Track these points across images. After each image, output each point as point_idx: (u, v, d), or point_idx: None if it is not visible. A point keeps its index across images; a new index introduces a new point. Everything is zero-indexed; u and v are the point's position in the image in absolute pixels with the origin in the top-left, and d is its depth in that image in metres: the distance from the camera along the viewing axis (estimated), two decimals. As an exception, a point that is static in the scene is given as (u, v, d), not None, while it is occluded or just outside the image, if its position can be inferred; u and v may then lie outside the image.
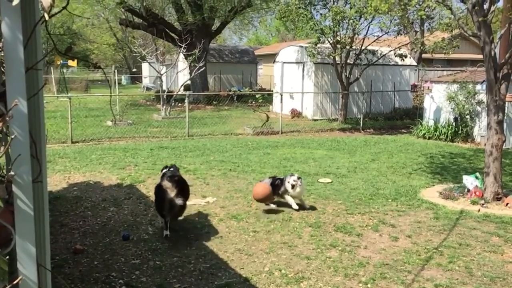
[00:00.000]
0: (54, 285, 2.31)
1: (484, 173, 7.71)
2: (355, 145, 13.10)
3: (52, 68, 28.76)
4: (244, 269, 4.89)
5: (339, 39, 16.28)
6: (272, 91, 22.84)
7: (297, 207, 6.78)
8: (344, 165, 10.20)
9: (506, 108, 8.78)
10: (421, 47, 17.25)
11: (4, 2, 1.52)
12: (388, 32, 16.58)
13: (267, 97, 22.98)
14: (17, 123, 1.58)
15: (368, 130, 16.63)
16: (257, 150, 11.79)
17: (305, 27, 16.41)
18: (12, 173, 1.59)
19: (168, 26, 23.99)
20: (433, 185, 8.57)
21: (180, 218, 6.13)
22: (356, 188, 8.22)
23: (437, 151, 12.34)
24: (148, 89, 32.82)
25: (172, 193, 5.63)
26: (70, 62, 27.87)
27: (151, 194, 7.03)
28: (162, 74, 20.11)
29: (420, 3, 10.79)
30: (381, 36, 16.95)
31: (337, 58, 16.87)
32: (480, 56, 8.21)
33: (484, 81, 10.45)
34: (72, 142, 12.32)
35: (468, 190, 7.70)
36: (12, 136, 1.58)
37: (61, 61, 24.45)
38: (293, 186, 6.72)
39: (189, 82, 22.82)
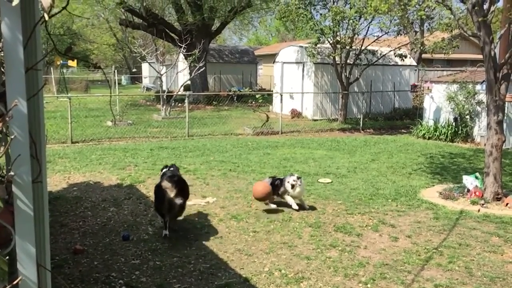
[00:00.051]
0: (54, 285, 2.31)
1: (484, 173, 7.71)
2: (355, 145, 13.10)
3: (52, 68, 28.76)
4: (244, 269, 4.89)
5: (339, 39, 16.29)
6: (272, 91, 22.84)
7: (297, 207, 6.78)
8: (344, 165, 10.20)
9: (506, 108, 8.78)
10: (421, 47, 17.26)
11: (4, 3, 1.52)
12: (388, 32, 16.59)
13: (267, 97, 22.99)
14: (17, 123, 1.58)
15: (368, 130, 16.63)
16: (257, 150, 11.79)
17: (305, 27, 16.41)
18: (12, 173, 1.59)
19: (168, 26, 23.99)
20: (433, 185, 8.57)
21: (180, 218, 6.13)
22: (356, 188, 8.22)
23: (437, 151, 12.34)
24: (148, 89, 32.82)
25: (171, 193, 5.62)
26: (70, 62, 27.87)
27: (151, 194, 7.03)
28: (162, 74, 20.12)
29: (420, 3, 10.79)
30: (381, 36, 16.96)
31: (337, 58, 16.88)
32: (480, 56, 8.22)
33: (484, 81, 10.44)
34: (72, 142, 12.32)
35: (468, 190, 7.70)
36: (12, 136, 1.58)
37: (61, 61, 24.45)
38: (292, 186, 6.72)
39: (189, 82, 22.83)
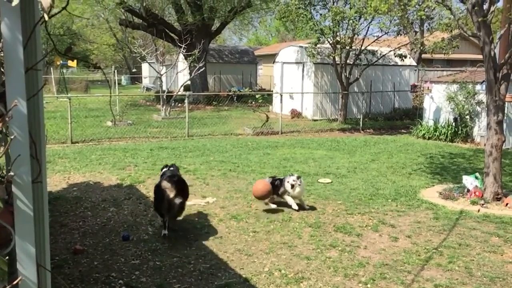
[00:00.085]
0: (54, 286, 2.31)
1: (484, 173, 7.71)
2: (355, 145, 13.10)
3: (52, 68, 28.75)
4: (244, 269, 4.89)
5: (339, 39, 16.29)
6: (272, 91, 22.85)
7: (297, 208, 6.78)
8: (344, 165, 10.20)
9: (505, 108, 8.78)
10: (421, 47, 17.26)
11: (3, 3, 1.52)
12: (388, 32, 16.59)
13: (267, 97, 23.00)
14: (17, 124, 1.58)
15: (368, 130, 16.63)
16: (257, 151, 11.79)
17: (305, 28, 16.42)
18: (11, 173, 1.59)
19: (168, 27, 23.99)
20: (433, 185, 8.57)
21: (180, 218, 6.13)
22: (356, 188, 8.22)
23: (436, 151, 12.34)
24: (148, 89, 32.83)
25: (171, 193, 5.62)
26: (70, 63, 27.85)
27: (151, 195, 7.02)
28: (162, 75, 20.12)
29: (420, 3, 10.80)
30: (380, 36, 16.97)
31: (337, 59, 16.88)
32: (480, 56, 8.22)
33: (483, 81, 10.45)
34: (72, 143, 12.32)
35: (468, 190, 7.70)
36: (12, 137, 1.58)
37: (61, 62, 24.43)
38: (292, 186, 6.72)
39: (189, 82, 22.83)
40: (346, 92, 17.58)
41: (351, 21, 15.53)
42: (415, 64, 21.92)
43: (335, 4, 16.24)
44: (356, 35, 16.77)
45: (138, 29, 25.26)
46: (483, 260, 5.20)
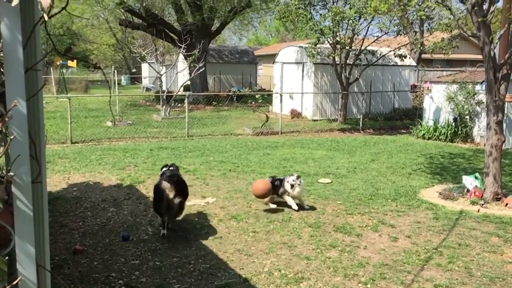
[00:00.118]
0: (54, 286, 2.31)
1: (484, 173, 7.71)
2: (354, 145, 13.11)
3: (51, 68, 28.76)
4: (244, 269, 4.89)
5: (339, 40, 16.29)
6: (272, 91, 22.85)
7: (296, 208, 6.78)
8: (344, 165, 10.21)
9: (505, 108, 8.78)
10: (421, 48, 17.27)
11: (3, 3, 1.52)
12: (388, 32, 16.59)
13: (267, 98, 23.00)
14: (17, 124, 1.58)
15: (367, 131, 16.63)
16: (257, 151, 11.79)
17: (305, 28, 16.42)
18: (11, 173, 1.59)
19: (167, 27, 23.99)
20: (433, 186, 8.58)
21: (179, 218, 6.14)
22: (355, 188, 8.22)
23: (436, 152, 12.34)
24: (147, 89, 32.84)
25: (170, 193, 5.62)
26: (69, 63, 27.87)
27: (150, 195, 7.02)
28: (161, 75, 20.12)
29: (420, 3, 10.81)
30: (380, 37, 16.97)
31: (337, 59, 16.88)
32: (480, 57, 8.22)
33: (483, 81, 10.45)
34: (72, 143, 12.32)
35: (468, 191, 7.70)
36: (12, 137, 1.58)
37: (61, 62, 24.45)
38: (292, 186, 6.72)
39: (188, 82, 22.83)
40: (346, 92, 17.58)
41: (351, 21, 15.54)
42: (415, 64, 21.93)
43: (335, 4, 16.24)
44: (356, 35, 16.77)
45: (138, 29, 25.26)
46: (483, 260, 5.20)
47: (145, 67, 36.18)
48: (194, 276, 4.71)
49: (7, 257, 1.67)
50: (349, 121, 17.95)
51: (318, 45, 16.65)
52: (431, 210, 7.05)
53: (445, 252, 5.39)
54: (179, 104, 21.21)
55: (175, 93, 20.30)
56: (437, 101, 15.07)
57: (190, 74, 21.20)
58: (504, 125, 8.21)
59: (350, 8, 15.46)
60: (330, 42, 16.44)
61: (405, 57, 17.78)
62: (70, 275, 4.64)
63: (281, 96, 17.08)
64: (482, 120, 13.21)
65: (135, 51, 20.29)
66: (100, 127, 15.21)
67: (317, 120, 18.23)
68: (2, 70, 1.67)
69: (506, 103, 8.91)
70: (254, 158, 10.77)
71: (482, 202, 7.29)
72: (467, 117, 14.18)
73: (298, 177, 6.81)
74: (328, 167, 9.94)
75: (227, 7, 23.75)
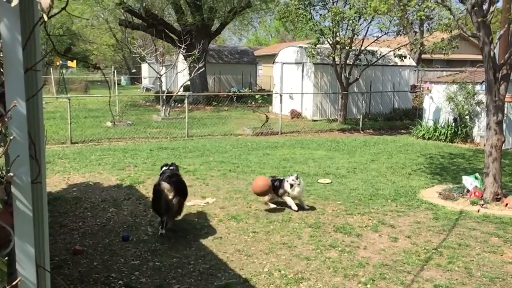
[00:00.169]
0: (54, 286, 2.31)
1: (484, 173, 7.71)
2: (354, 145, 13.11)
3: (51, 68, 28.76)
4: (244, 269, 4.89)
5: (339, 40, 16.29)
6: (272, 91, 22.85)
7: (296, 208, 6.78)
8: (344, 165, 10.20)
9: (505, 108, 8.78)
10: (421, 48, 17.27)
11: (3, 3, 1.52)
12: (388, 32, 16.60)
13: (267, 98, 23.01)
14: (16, 124, 1.58)
15: (367, 131, 16.63)
16: (257, 151, 11.79)
17: (305, 28, 16.42)
18: (11, 174, 1.59)
19: (167, 27, 23.99)
20: (433, 186, 8.57)
21: (179, 218, 6.14)
22: (355, 188, 8.22)
23: (436, 152, 12.34)
24: (147, 89, 32.85)
25: (169, 194, 5.62)
26: (69, 63, 27.88)
27: (150, 195, 6.99)
28: (161, 75, 20.12)
29: (419, 3, 10.82)
30: (380, 37, 16.97)
31: (337, 59, 16.88)
32: (480, 57, 8.22)
33: (483, 81, 10.45)
34: (72, 143, 12.31)
35: (468, 191, 7.70)
36: (11, 137, 1.58)
37: (61, 62, 24.47)
38: (291, 186, 6.72)
39: (188, 82, 22.83)
40: (345, 92, 17.59)
41: (350, 21, 15.54)
42: (414, 64, 21.93)
43: (334, 4, 16.24)
44: (355, 36, 16.78)
45: (138, 30, 25.26)
46: (483, 260, 5.20)
47: (145, 67, 36.18)
48: (194, 277, 4.71)
49: (6, 258, 1.67)
50: (349, 121, 17.95)
51: (318, 45, 16.65)
52: (431, 210, 7.05)
53: (445, 252, 5.39)
54: (179, 105, 21.21)
55: (175, 94, 20.31)
56: (437, 101, 15.07)
57: (190, 74, 21.20)
58: (504, 125, 8.21)
59: (350, 8, 15.47)
60: (330, 42, 16.45)
61: (405, 57, 17.78)
62: (70, 276, 4.64)
63: (281, 96, 17.08)
64: (482, 120, 13.21)
65: (135, 51, 20.29)
66: (100, 127, 15.21)
67: (317, 120, 18.23)
68: (1, 70, 1.67)
69: (506, 103, 8.90)
70: (254, 158, 10.77)
71: (482, 202, 7.29)
72: (467, 117, 14.18)
73: (297, 177, 6.81)
74: (328, 167, 9.94)
75: (227, 7, 23.76)
